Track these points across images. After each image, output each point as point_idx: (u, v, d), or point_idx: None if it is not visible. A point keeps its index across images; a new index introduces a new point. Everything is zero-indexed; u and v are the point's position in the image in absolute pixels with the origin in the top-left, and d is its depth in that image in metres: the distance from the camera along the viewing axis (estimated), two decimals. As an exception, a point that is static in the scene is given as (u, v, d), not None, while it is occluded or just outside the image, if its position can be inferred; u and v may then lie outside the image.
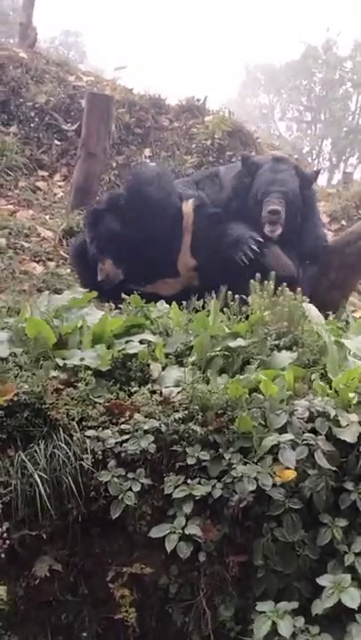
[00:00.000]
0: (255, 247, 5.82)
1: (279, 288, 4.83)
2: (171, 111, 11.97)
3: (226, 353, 4.21)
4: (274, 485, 3.49)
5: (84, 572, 3.74)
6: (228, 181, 6.48)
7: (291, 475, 3.47)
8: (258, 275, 5.03)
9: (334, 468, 3.52)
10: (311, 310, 4.65)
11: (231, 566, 3.57)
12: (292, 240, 6.11)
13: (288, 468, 3.50)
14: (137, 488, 3.63)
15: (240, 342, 4.23)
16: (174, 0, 58.27)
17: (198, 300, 5.11)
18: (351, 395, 3.74)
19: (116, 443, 3.74)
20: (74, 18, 57.52)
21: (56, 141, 11.02)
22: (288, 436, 3.58)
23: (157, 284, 6.05)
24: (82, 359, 4.10)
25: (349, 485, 3.52)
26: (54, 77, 11.88)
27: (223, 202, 6.32)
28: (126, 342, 4.35)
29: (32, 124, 11.05)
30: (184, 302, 5.09)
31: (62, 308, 4.70)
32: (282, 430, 3.65)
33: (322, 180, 23.71)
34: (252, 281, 4.96)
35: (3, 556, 3.55)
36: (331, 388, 3.86)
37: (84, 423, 3.81)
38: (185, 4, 57.65)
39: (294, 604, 3.36)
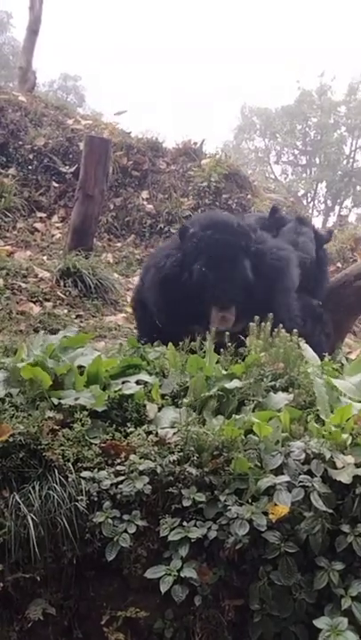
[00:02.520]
0: None
1: (275, 330, 4.85)
2: (168, 154, 12.13)
3: (221, 394, 4.22)
4: (269, 528, 3.47)
5: (78, 616, 3.70)
6: (252, 225, 6.62)
7: (283, 510, 3.45)
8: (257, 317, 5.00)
9: (331, 511, 3.50)
10: (307, 351, 4.67)
11: (227, 610, 3.53)
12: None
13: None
14: (132, 530, 3.61)
15: (236, 383, 4.24)
16: (172, 47, 59.39)
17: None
18: (345, 436, 3.74)
19: (112, 484, 3.73)
20: (73, 62, 58.39)
21: (54, 183, 11.15)
22: (284, 478, 3.57)
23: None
24: (77, 399, 4.10)
25: (346, 528, 3.49)
26: (53, 120, 12.05)
27: None
28: (123, 383, 4.35)
29: (30, 167, 11.19)
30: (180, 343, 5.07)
31: (58, 348, 4.71)
32: (278, 472, 3.64)
33: (317, 223, 23.92)
34: (250, 323, 4.96)
35: (-4, 598, 3.52)
36: (326, 430, 3.86)
37: (79, 464, 3.80)
38: (182, 54, 58.72)
39: (291, 649, 3.33)
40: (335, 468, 3.62)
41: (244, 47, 61.10)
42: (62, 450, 3.80)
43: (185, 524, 3.61)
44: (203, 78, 59.38)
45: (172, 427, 3.99)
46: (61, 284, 8.29)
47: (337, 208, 34.71)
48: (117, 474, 3.77)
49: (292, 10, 61.17)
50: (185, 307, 5.53)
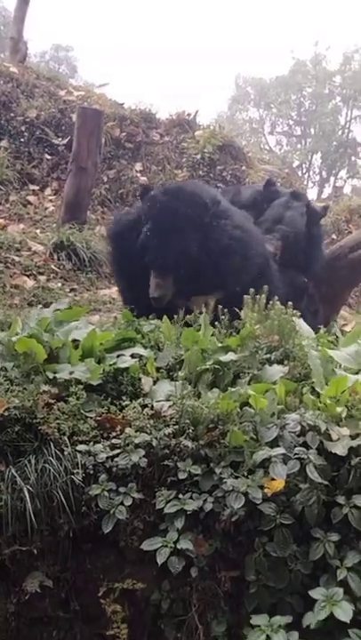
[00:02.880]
0: None
1: (270, 302, 4.84)
2: (161, 125, 12.04)
3: (217, 367, 4.21)
4: (265, 500, 3.48)
5: (75, 588, 3.71)
6: (246, 197, 6.63)
7: (279, 485, 3.46)
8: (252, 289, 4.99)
9: (326, 482, 3.51)
10: (301, 324, 4.67)
11: (223, 581, 3.55)
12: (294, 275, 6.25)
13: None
14: (128, 502, 3.62)
15: (231, 356, 4.23)
16: (166, 14, 58.82)
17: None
18: (340, 408, 3.74)
19: (108, 457, 3.73)
20: (65, 32, 57.78)
21: (47, 156, 11.06)
22: (279, 450, 3.57)
23: (198, 299, 5.71)
24: (72, 373, 4.10)
25: (341, 499, 3.50)
26: (45, 92, 11.93)
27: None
28: (118, 356, 4.34)
29: (23, 139, 11.09)
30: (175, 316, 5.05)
31: (52, 321, 4.70)
32: (273, 444, 3.64)
33: (312, 194, 23.85)
34: (245, 296, 4.96)
35: (-7, 571, 3.53)
36: (321, 402, 3.87)
37: (75, 437, 3.80)
38: (177, 19, 58.19)
39: (288, 619, 3.34)
40: (330, 440, 3.62)
41: (240, 20, 60.40)
42: (58, 423, 3.80)
43: (181, 496, 3.61)
44: (196, 42, 58.81)
45: (168, 400, 3.99)
46: (55, 257, 8.27)
47: (332, 179, 34.59)
48: (113, 447, 3.77)
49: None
50: (134, 267, 5.55)
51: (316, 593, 3.33)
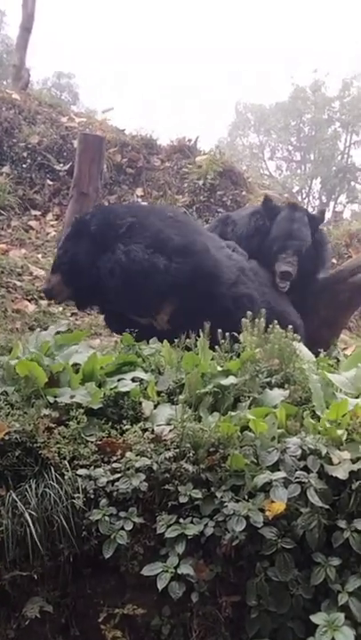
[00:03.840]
0: None
1: (270, 326, 4.85)
2: (162, 151, 12.10)
3: (217, 391, 4.22)
4: (266, 524, 3.47)
5: (75, 614, 3.70)
6: (242, 220, 6.67)
7: (279, 507, 3.45)
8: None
9: (327, 506, 3.51)
10: (302, 348, 4.68)
11: (224, 606, 3.54)
12: (307, 283, 6.38)
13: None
14: (129, 527, 3.61)
15: (231, 380, 4.24)
16: (166, 44, 59.33)
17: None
18: (340, 431, 3.74)
19: (108, 481, 3.73)
20: (67, 59, 58.12)
21: (48, 181, 11.11)
22: (280, 474, 3.57)
23: (156, 317, 5.86)
24: (72, 397, 4.10)
25: (342, 523, 3.50)
26: (47, 118, 12.01)
27: (239, 239, 6.54)
28: (118, 380, 4.35)
29: (24, 165, 11.14)
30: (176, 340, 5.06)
31: (53, 345, 4.71)
32: (274, 468, 3.64)
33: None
34: (243, 319, 4.97)
35: (-7, 597, 3.52)
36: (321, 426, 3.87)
37: (75, 462, 3.80)
38: (177, 50, 58.55)
39: (289, 644, 3.33)
40: (331, 463, 3.62)
41: (239, 47, 60.91)
42: (58, 448, 3.81)
43: (181, 520, 3.61)
44: (197, 77, 59.25)
45: (168, 424, 3.99)
46: (56, 282, 8.27)
47: (332, 204, 34.69)
48: (114, 471, 3.77)
49: (288, 9, 61.01)
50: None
51: (317, 618, 3.32)
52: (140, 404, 4.20)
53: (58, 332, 5.07)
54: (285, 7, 59.68)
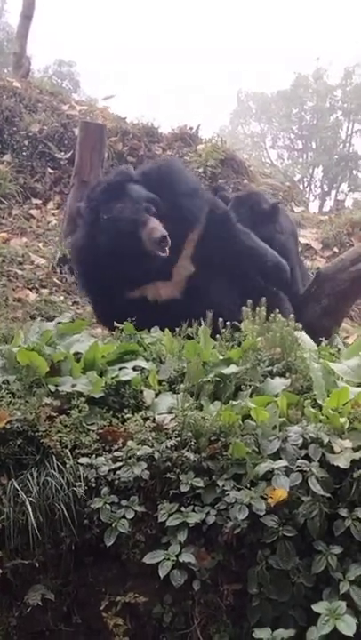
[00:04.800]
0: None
1: (271, 314, 4.85)
2: (163, 139, 12.07)
3: (218, 379, 4.21)
4: (268, 512, 3.47)
5: (77, 602, 3.71)
6: None
7: (282, 494, 3.45)
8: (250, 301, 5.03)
9: (328, 495, 3.51)
10: (303, 337, 4.67)
11: (226, 595, 3.54)
12: None
13: (279, 491, 3.49)
14: (130, 516, 3.62)
15: (233, 369, 4.23)
16: (167, 43, 59.12)
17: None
18: (342, 420, 3.74)
19: (110, 470, 3.73)
20: (68, 47, 57.97)
21: (49, 170, 11.08)
22: (282, 463, 3.57)
23: (148, 287, 5.87)
24: (74, 386, 4.10)
25: (344, 512, 3.50)
26: (48, 106, 11.98)
27: None
28: (120, 369, 4.35)
29: (25, 153, 11.11)
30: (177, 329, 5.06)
31: (55, 334, 4.70)
32: (275, 456, 3.64)
33: (314, 207, 23.90)
34: (243, 307, 4.97)
35: (-5, 585, 3.53)
36: (323, 414, 3.87)
37: (77, 450, 3.80)
38: (178, 49, 58.48)
39: (291, 632, 3.33)
40: (333, 452, 3.62)
41: (240, 47, 60.82)
42: (60, 436, 3.81)
43: (183, 509, 3.61)
44: (199, 76, 59.24)
45: (170, 412, 3.99)
46: (58, 270, 8.28)
47: (333, 192, 34.66)
48: (115, 460, 3.77)
49: (289, 9, 60.91)
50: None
51: (319, 607, 3.32)
52: (142, 392, 4.20)
53: (59, 323, 5.07)
54: (286, 7, 59.40)
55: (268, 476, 3.56)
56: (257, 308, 4.92)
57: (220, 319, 4.90)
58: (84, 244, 5.86)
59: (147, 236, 5.62)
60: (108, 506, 3.64)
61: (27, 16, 14.46)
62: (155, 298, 5.84)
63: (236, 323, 4.94)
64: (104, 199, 5.81)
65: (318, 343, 4.86)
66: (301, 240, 10.40)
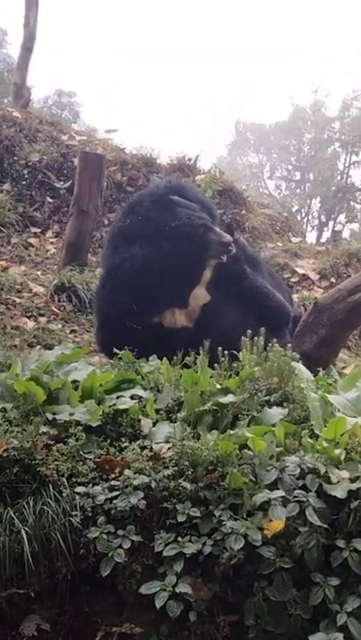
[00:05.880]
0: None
1: (269, 344, 4.86)
2: (162, 170, 12.17)
3: (216, 409, 4.21)
4: (264, 543, 3.46)
5: (72, 632, 3.68)
6: None
7: (278, 526, 3.44)
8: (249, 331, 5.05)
9: (326, 526, 3.49)
10: (300, 367, 4.68)
11: (222, 626, 3.52)
12: None
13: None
14: (127, 545, 3.60)
15: (230, 398, 4.23)
16: (169, 64, 59.79)
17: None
18: (338, 451, 3.73)
19: (106, 499, 3.72)
20: (68, 78, 58.55)
21: (48, 199, 11.17)
22: (279, 493, 3.56)
23: (165, 314, 5.90)
24: (71, 414, 4.10)
25: (341, 543, 3.48)
26: (47, 136, 12.09)
27: None
28: (117, 398, 4.35)
29: (25, 182, 11.21)
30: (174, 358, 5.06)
31: (53, 363, 4.71)
32: (272, 487, 3.63)
33: (311, 238, 24.02)
34: (242, 337, 4.99)
35: (-10, 615, 3.50)
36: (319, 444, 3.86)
37: (73, 479, 3.79)
38: (179, 70, 59.10)
39: (287, 665, 3.31)
40: (330, 482, 3.61)
41: (242, 50, 61.37)
42: (56, 465, 3.80)
43: (180, 539, 3.59)
44: (196, 90, 59.77)
45: (167, 441, 3.98)
46: (56, 298, 8.30)
47: (331, 223, 34.82)
48: (112, 489, 3.76)
49: (289, 10, 61.67)
50: None
51: (316, 638, 3.30)
52: (139, 421, 4.20)
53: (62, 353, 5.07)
54: (287, 8, 60.22)
55: (265, 507, 3.55)
56: (255, 338, 4.92)
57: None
58: (146, 254, 5.80)
59: (217, 240, 5.84)
60: (104, 535, 3.63)
61: (27, 48, 14.65)
62: (170, 325, 5.87)
63: (235, 352, 4.95)
64: (158, 209, 5.90)
65: (316, 373, 4.86)
66: (299, 270, 10.48)
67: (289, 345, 5.02)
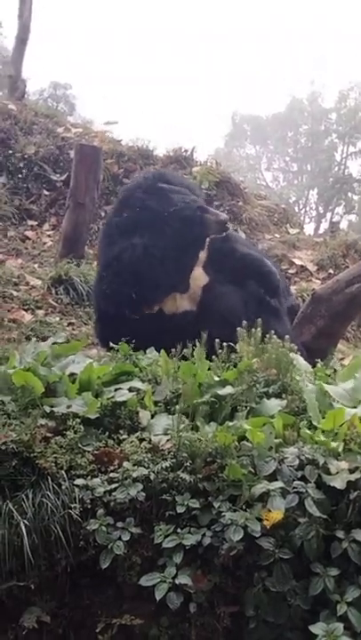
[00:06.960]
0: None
1: (267, 336, 4.85)
2: (159, 162, 12.15)
3: (214, 400, 4.21)
4: (264, 534, 3.46)
5: (72, 624, 3.68)
6: None
7: (277, 516, 3.44)
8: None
9: (325, 516, 3.49)
10: (298, 358, 4.68)
11: (222, 617, 3.52)
12: None
13: (275, 513, 3.48)
14: (126, 537, 3.60)
15: (229, 390, 4.23)
16: (165, 52, 59.67)
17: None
18: (335, 443, 3.73)
19: (105, 491, 3.72)
20: (63, 70, 58.30)
21: (45, 191, 11.15)
22: (278, 484, 3.56)
23: (166, 300, 5.93)
24: (69, 407, 4.09)
25: (340, 533, 3.48)
26: (43, 129, 12.06)
27: None
28: (115, 390, 4.34)
29: (21, 175, 11.18)
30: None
31: (50, 355, 4.70)
32: (271, 478, 3.63)
33: (309, 230, 23.99)
34: (239, 329, 4.98)
35: (-10, 607, 3.50)
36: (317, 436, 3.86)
37: (72, 472, 3.79)
38: (174, 62, 58.98)
39: (287, 655, 3.32)
40: (329, 473, 3.61)
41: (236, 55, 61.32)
42: (55, 457, 3.79)
43: (179, 530, 3.60)
44: (194, 79, 59.70)
45: (166, 433, 3.98)
46: (53, 291, 8.29)
47: (329, 215, 34.80)
48: (111, 481, 3.76)
49: (284, 17, 61.61)
50: None
51: (316, 628, 3.30)
52: (138, 413, 4.19)
53: (55, 343, 5.07)
54: (282, 18, 60.05)
55: (264, 498, 3.55)
56: (252, 330, 4.91)
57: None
58: (146, 242, 5.88)
59: (213, 219, 6.03)
60: (103, 527, 3.63)
61: (22, 39, 14.58)
62: (172, 311, 5.89)
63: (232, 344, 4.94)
64: (152, 198, 6.03)
65: (314, 364, 4.86)
66: (297, 262, 10.47)
67: (287, 336, 5.01)
